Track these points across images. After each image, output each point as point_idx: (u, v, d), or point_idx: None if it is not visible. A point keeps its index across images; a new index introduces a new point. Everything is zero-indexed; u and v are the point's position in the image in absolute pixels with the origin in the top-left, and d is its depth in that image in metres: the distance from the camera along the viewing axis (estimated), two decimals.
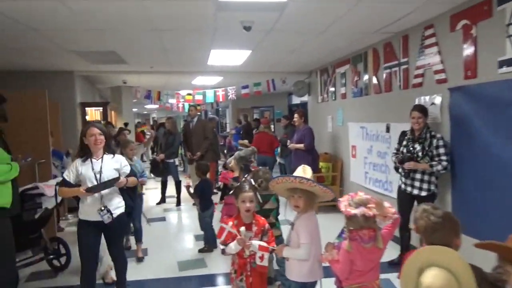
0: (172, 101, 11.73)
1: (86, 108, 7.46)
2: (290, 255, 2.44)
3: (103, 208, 3.01)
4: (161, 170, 7.22)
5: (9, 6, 3.30)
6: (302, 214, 2.42)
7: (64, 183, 3.04)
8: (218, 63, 6.54)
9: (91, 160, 3.05)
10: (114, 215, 3.07)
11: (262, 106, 14.97)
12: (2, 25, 3.80)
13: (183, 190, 7.06)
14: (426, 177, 3.77)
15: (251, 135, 11.74)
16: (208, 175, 4.98)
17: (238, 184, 2.82)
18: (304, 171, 2.43)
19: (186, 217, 6.60)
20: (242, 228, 2.53)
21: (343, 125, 6.33)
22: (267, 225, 2.69)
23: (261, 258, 2.45)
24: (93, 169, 3.03)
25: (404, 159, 3.85)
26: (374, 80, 5.19)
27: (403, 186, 3.98)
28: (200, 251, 4.69)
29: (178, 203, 7.24)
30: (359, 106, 5.70)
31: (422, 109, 3.77)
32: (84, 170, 3.02)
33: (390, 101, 4.85)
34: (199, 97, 9.56)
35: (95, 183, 2.99)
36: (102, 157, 3.09)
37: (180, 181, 7.29)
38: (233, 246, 2.54)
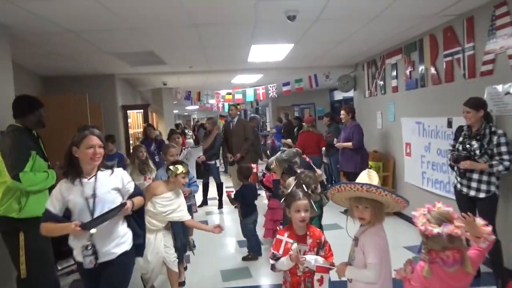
0: (212, 101, 11.63)
1: (128, 111, 7.43)
2: (354, 277, 2.05)
3: (88, 247, 2.18)
4: (202, 172, 7.06)
5: (42, 6, 3.18)
6: (368, 228, 2.04)
7: (48, 217, 2.22)
8: (259, 59, 6.25)
9: (80, 181, 2.26)
10: (113, 255, 2.29)
11: (303, 103, 14.53)
12: (36, 27, 3.70)
13: (225, 193, 6.89)
14: (484, 177, 3.31)
15: (292, 134, 11.39)
16: (250, 179, 4.68)
17: (289, 190, 2.49)
18: (369, 176, 2.05)
19: (229, 220, 6.37)
20: (294, 246, 2.19)
21: (395, 120, 5.83)
22: (323, 237, 2.35)
23: (320, 281, 2.11)
24: (83, 193, 2.24)
25: (459, 158, 3.40)
26: (432, 70, 4.67)
27: (458, 186, 3.53)
28: (244, 259, 4.42)
29: (220, 205, 7.04)
30: (414, 99, 5.18)
31: (471, 103, 3.34)
32: (73, 196, 2.23)
33: (452, 92, 4.33)
34: (239, 96, 9.35)
35: (87, 213, 2.22)
36: (95, 175, 2.30)
37: (221, 183, 7.09)
38: (285, 262, 2.21)
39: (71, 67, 6.04)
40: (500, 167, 3.18)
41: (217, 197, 7.11)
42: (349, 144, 5.77)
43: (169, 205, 3.22)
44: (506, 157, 3.19)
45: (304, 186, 2.52)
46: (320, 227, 3.14)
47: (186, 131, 15.19)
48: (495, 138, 3.25)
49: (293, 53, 5.90)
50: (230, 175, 6.72)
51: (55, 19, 3.53)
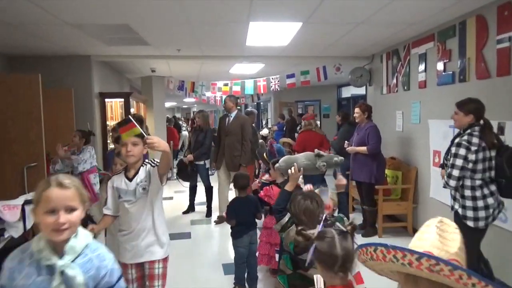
0: (208, 93, 10.62)
1: (106, 100, 6.44)
2: None
3: None
4: (189, 173, 6.09)
5: None
6: None
7: None
8: (259, 43, 5.25)
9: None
10: None
11: (308, 99, 13.51)
12: None
13: (215, 198, 5.92)
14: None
15: (295, 133, 10.43)
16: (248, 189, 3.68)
17: (318, 230, 1.54)
18: (442, 237, 1.04)
19: (217, 233, 5.41)
20: None
21: (421, 122, 4.83)
22: None
23: None
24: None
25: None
26: (477, 61, 3.68)
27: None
28: None
29: (209, 213, 6.07)
30: (449, 97, 4.16)
31: (461, 104, 2.98)
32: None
33: (505, 88, 3.33)
34: (237, 88, 8.34)
35: None
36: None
37: (211, 187, 6.12)
38: None
39: (38, 45, 5.07)
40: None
41: (206, 203, 6.15)
42: (364, 148, 4.79)
43: None
44: (451, 170, 2.88)
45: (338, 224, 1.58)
46: None
47: (181, 123, 14.23)
48: (453, 148, 2.90)
49: (300, 37, 4.89)
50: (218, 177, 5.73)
51: None
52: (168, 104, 22.37)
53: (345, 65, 6.81)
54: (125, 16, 3.90)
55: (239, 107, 6.19)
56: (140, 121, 4.58)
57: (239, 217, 3.39)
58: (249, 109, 7.11)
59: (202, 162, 6.01)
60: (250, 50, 5.84)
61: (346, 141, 5.16)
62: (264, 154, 4.62)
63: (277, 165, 2.77)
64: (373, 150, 4.77)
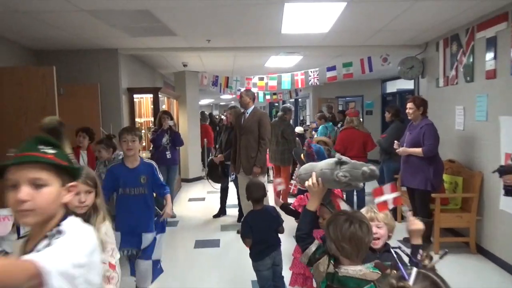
0: (243, 89, 10.17)
1: (135, 96, 6.13)
2: None
3: None
4: (220, 174, 5.65)
5: None
6: None
7: None
8: (296, 30, 4.68)
9: None
10: None
11: (349, 95, 12.71)
12: None
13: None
14: None
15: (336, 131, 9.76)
16: (264, 201, 3.14)
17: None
18: None
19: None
20: None
21: (488, 120, 4.06)
22: None
23: None
24: None
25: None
26: None
27: None
28: None
29: (241, 217, 5.59)
30: None
31: None
32: None
33: None
34: (273, 83, 7.83)
35: None
36: None
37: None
38: None
39: (61, 38, 4.80)
40: None
41: (238, 206, 5.68)
42: (418, 150, 4.11)
43: None
44: None
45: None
46: None
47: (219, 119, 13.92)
48: None
49: (343, 22, 4.28)
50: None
51: None
52: (205, 101, 22.24)
53: (394, 55, 6.07)
54: None
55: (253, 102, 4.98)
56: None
57: (257, 235, 2.86)
58: (286, 105, 6.49)
59: None
60: (287, 40, 5.29)
61: (395, 141, 4.48)
62: (302, 155, 4.06)
63: (297, 172, 2.18)
64: (430, 152, 4.07)
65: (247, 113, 4.90)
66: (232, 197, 5.83)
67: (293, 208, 3.01)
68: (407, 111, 4.32)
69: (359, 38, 5.37)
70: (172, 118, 5.80)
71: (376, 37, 5.20)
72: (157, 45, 5.51)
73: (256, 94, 11.01)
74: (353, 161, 1.80)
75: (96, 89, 5.19)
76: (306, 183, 1.90)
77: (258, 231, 2.84)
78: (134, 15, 3.89)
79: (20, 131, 3.43)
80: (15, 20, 3.86)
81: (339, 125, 9.86)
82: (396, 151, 4.38)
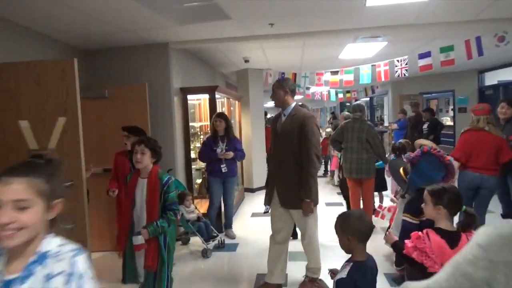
0: (313, 87, 9.06)
1: (189, 97, 5.36)
2: None
3: None
4: None
5: None
6: None
7: None
8: (382, 1, 3.53)
9: None
10: None
11: (436, 90, 10.98)
12: None
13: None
14: None
15: (421, 132, 8.29)
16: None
17: None
18: None
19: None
20: None
21: None
22: None
23: None
24: None
25: None
26: None
27: None
28: None
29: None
30: None
31: None
32: None
33: None
34: (349, 77, 6.67)
35: None
36: None
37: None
38: None
39: (106, 33, 4.19)
40: None
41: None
42: None
43: None
44: None
45: None
46: None
47: None
48: None
49: None
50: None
51: None
52: (271, 104, 21.38)
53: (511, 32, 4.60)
54: None
55: (297, 102, 3.44)
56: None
57: None
58: (358, 103, 5.11)
59: None
60: (371, 18, 4.14)
61: None
62: (401, 170, 2.88)
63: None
64: None
65: (284, 115, 3.32)
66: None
67: (408, 255, 1.90)
68: None
69: (469, 10, 4.03)
70: (228, 122, 4.94)
71: (491, 9, 3.85)
72: (211, 35, 4.67)
73: (328, 92, 9.77)
74: None
75: (144, 90, 4.49)
76: None
77: None
78: None
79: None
80: (59, 15, 3.25)
81: (425, 125, 8.35)
82: None
